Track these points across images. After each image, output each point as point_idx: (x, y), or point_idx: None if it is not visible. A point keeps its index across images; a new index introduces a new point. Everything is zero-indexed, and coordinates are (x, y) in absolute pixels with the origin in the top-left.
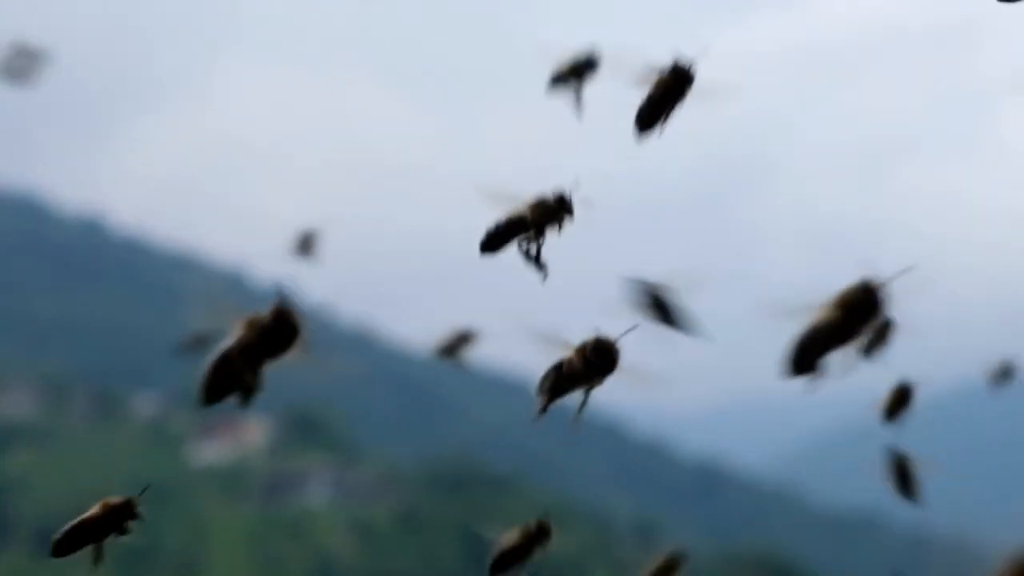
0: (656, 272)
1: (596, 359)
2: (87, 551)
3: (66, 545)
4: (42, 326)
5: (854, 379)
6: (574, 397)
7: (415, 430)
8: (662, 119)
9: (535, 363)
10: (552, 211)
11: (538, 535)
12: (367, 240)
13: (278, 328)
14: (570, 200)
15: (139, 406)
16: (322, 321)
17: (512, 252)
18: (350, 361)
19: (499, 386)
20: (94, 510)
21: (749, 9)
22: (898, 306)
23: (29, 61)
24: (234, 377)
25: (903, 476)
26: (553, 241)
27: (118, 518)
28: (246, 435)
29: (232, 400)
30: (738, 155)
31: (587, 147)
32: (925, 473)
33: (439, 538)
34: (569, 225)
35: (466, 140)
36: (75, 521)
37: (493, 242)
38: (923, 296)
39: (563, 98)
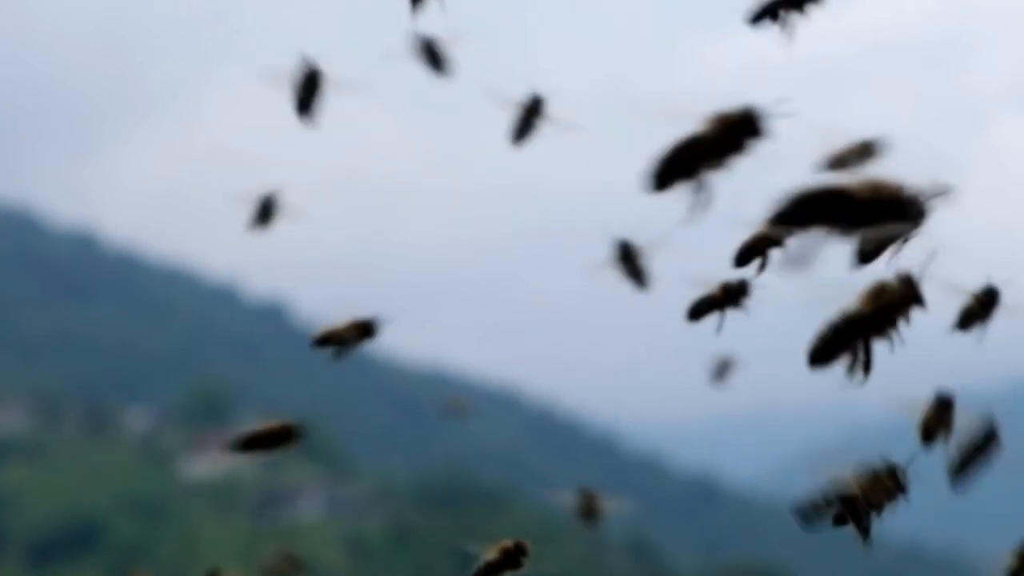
0: (653, 286)
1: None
2: None
3: None
4: (34, 340)
5: (847, 392)
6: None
7: (408, 445)
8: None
9: (527, 378)
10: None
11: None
12: (360, 255)
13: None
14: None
15: (131, 421)
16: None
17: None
18: (345, 377)
19: (492, 401)
20: None
21: (738, 24)
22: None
23: None
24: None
25: None
26: (545, 259)
27: None
28: None
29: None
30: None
31: (578, 164)
32: (920, 487)
33: (432, 553)
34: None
35: (458, 158)
36: None
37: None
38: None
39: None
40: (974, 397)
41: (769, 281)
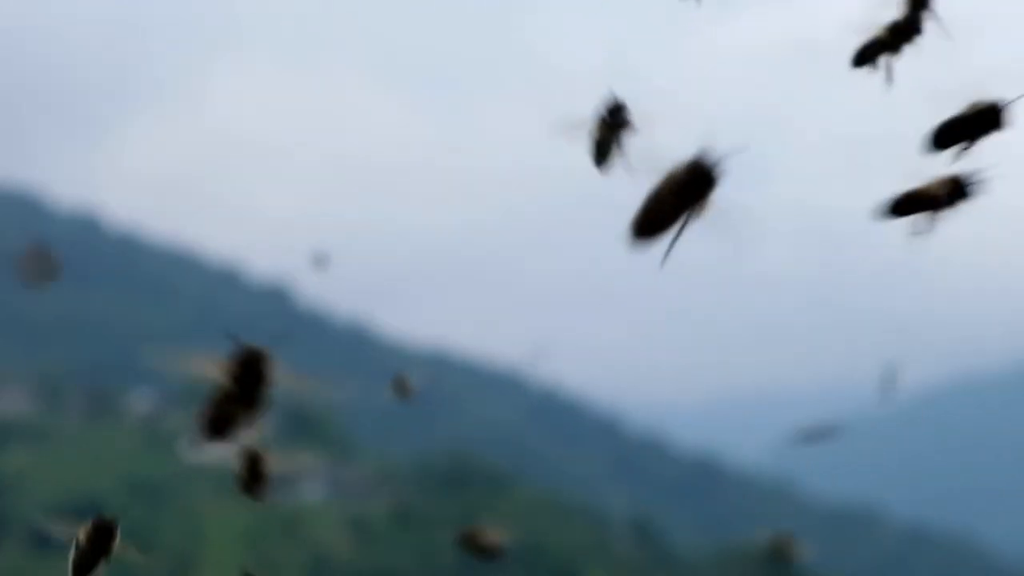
0: (658, 269)
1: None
2: None
3: None
4: (37, 323)
5: (850, 373)
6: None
7: (411, 427)
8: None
9: (530, 360)
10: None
11: None
12: (363, 237)
13: None
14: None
15: (134, 404)
16: (318, 318)
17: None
18: (347, 359)
19: (495, 383)
20: None
21: (741, 5)
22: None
23: None
24: None
25: None
26: (557, 241)
27: None
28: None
29: None
30: (733, 153)
31: (582, 147)
32: (927, 468)
33: (435, 535)
34: None
35: (461, 139)
36: None
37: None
38: (922, 290)
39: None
40: (977, 379)
41: (777, 265)
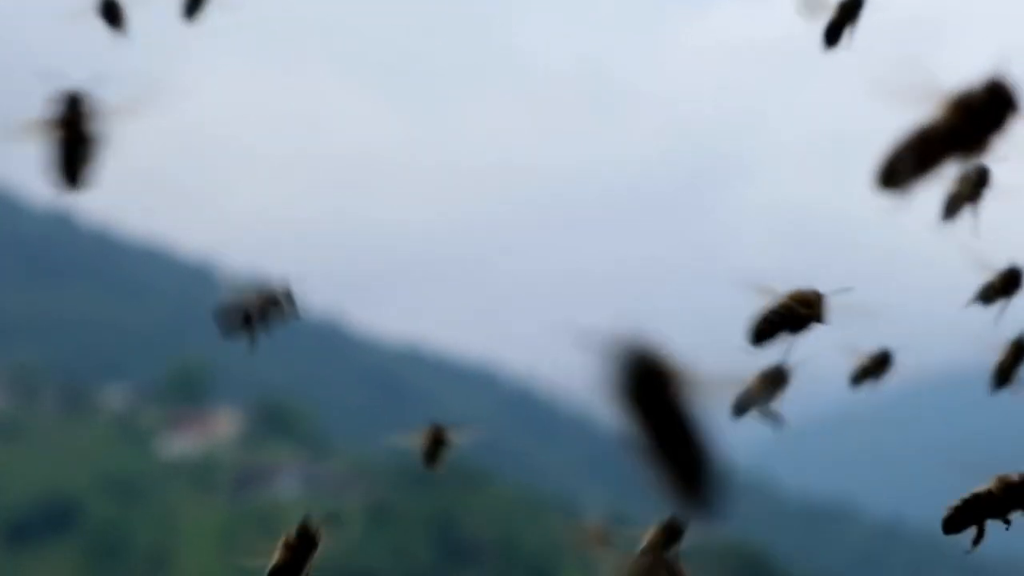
0: (633, 267)
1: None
2: None
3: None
4: (10, 319)
5: (827, 368)
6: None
7: (386, 423)
8: None
9: (505, 356)
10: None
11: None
12: (338, 233)
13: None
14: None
15: (108, 399)
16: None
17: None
18: (322, 355)
19: (470, 378)
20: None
21: (714, 3)
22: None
23: None
24: None
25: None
26: (531, 238)
27: None
28: (215, 428)
29: None
30: (710, 151)
31: (558, 146)
32: (901, 464)
33: (410, 531)
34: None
35: (436, 137)
36: None
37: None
38: (898, 286)
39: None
40: (952, 375)
41: (753, 261)
